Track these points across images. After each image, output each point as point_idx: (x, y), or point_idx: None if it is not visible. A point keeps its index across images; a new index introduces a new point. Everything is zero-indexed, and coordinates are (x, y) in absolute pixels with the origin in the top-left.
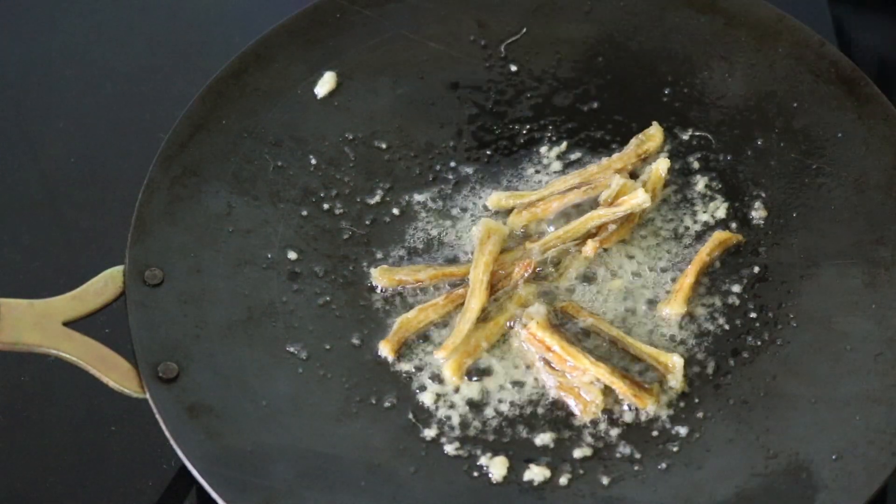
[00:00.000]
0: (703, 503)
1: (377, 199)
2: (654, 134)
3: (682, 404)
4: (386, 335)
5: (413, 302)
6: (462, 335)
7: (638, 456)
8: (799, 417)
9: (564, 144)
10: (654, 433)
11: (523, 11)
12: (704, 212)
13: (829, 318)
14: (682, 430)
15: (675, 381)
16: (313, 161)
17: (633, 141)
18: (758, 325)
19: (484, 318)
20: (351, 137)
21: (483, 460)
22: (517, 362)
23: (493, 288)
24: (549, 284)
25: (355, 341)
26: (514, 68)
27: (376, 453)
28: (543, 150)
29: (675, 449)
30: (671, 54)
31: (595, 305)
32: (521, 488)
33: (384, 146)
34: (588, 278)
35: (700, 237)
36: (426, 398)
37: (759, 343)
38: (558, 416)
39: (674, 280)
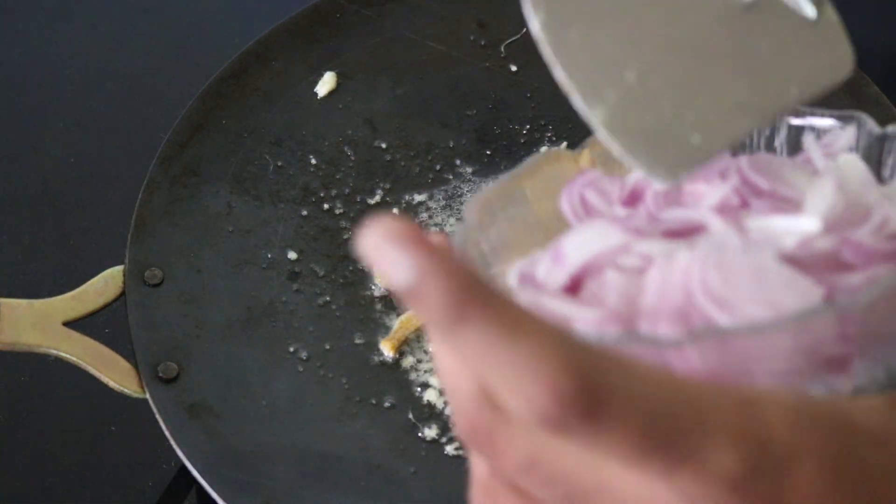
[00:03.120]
0: None
1: (377, 199)
2: None
3: None
4: (386, 335)
5: None
6: None
7: None
8: None
9: (564, 145)
10: None
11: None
12: None
13: None
14: None
15: None
16: (313, 161)
17: None
18: None
19: None
20: (351, 137)
21: None
22: None
23: None
24: None
25: (355, 341)
26: (514, 68)
27: (376, 453)
28: (543, 150)
29: None
30: None
31: None
32: None
33: (384, 146)
34: None
35: None
36: (427, 397)
37: None
38: None
39: None
